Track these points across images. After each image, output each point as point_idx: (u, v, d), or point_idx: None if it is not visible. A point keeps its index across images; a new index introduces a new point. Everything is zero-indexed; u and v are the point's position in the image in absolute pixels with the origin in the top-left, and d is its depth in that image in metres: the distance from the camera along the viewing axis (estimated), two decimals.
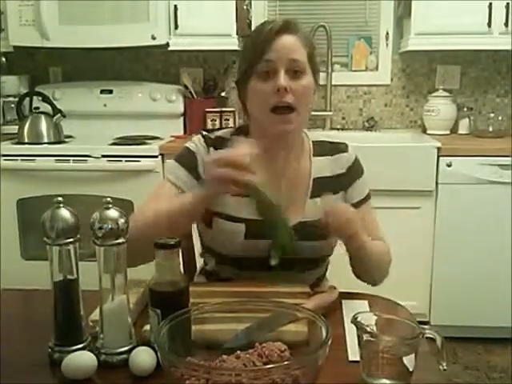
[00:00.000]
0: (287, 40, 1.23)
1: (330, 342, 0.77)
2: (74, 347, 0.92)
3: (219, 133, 1.37)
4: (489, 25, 2.61)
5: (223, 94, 3.05)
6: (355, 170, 1.38)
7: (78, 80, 3.09)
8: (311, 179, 1.33)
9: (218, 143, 1.32)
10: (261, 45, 1.22)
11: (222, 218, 1.29)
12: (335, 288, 1.17)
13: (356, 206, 1.33)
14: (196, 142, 1.33)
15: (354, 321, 0.85)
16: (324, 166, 1.35)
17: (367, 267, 1.28)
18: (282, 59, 1.21)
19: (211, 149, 1.31)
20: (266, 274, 1.22)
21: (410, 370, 0.84)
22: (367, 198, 1.40)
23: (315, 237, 1.27)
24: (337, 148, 1.37)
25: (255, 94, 1.25)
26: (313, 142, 1.38)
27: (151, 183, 2.13)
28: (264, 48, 1.21)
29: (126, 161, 2.53)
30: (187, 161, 1.31)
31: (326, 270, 1.43)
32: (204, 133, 1.36)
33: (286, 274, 1.23)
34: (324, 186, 1.32)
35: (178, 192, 1.28)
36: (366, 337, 0.84)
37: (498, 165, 2.48)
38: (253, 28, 3.06)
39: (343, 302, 1.14)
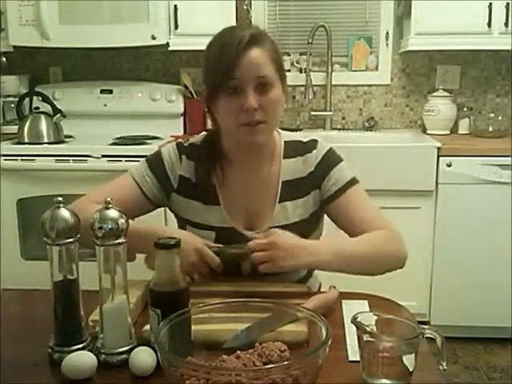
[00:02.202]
0: (254, 55, 1.18)
1: (329, 341, 0.77)
2: (74, 347, 0.92)
3: (193, 139, 1.38)
4: (489, 25, 2.61)
5: None
6: (325, 164, 1.32)
7: (78, 80, 3.09)
8: (280, 183, 1.31)
9: (190, 151, 1.33)
10: (226, 61, 1.17)
11: (193, 225, 1.31)
12: (335, 288, 1.17)
13: (336, 196, 1.30)
14: (169, 149, 1.35)
15: (354, 321, 0.85)
16: (295, 168, 1.32)
17: (359, 272, 1.24)
18: (249, 77, 1.17)
19: (183, 157, 1.33)
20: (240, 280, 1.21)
21: (410, 369, 0.84)
22: (349, 184, 1.31)
23: None
24: (307, 147, 1.34)
25: (224, 109, 1.22)
26: (285, 142, 1.35)
27: None
28: (230, 65, 1.16)
29: (125, 161, 2.52)
30: (155, 164, 1.34)
31: (311, 270, 1.39)
32: (179, 141, 1.38)
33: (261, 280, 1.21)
34: (294, 188, 1.31)
35: (138, 190, 1.32)
36: (365, 337, 0.84)
37: (498, 165, 2.48)
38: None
39: (343, 301, 1.14)
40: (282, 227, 1.25)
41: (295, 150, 1.33)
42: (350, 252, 1.20)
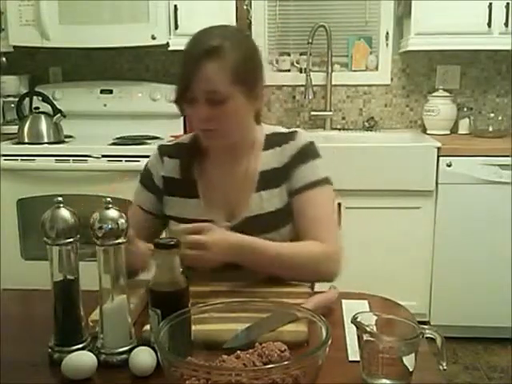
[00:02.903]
0: (207, 69, 1.19)
1: (329, 341, 0.77)
2: (74, 347, 0.92)
3: (182, 138, 1.43)
4: (489, 25, 2.61)
5: None
6: (300, 157, 1.32)
7: (78, 80, 3.09)
8: (257, 173, 1.33)
9: (174, 150, 1.39)
10: (184, 73, 1.22)
11: (173, 219, 1.35)
12: (335, 288, 1.17)
13: (298, 192, 1.30)
14: (152, 157, 1.41)
15: (354, 321, 0.85)
16: (272, 158, 1.33)
17: (289, 277, 1.25)
18: (200, 91, 1.21)
19: (165, 158, 1.38)
20: (219, 274, 1.21)
21: (410, 369, 0.84)
22: (313, 184, 1.31)
23: (263, 230, 1.27)
24: (286, 137, 1.34)
25: (188, 114, 1.29)
26: (266, 135, 1.37)
27: None
28: (187, 76, 1.21)
29: (125, 161, 2.52)
30: (145, 178, 1.41)
31: None
32: (160, 143, 1.45)
33: (241, 273, 1.22)
34: (270, 178, 1.32)
35: (140, 211, 1.38)
36: (365, 337, 0.84)
37: (498, 165, 2.48)
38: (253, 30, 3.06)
39: (343, 301, 1.14)
40: (258, 217, 1.28)
41: (275, 141, 1.35)
42: (273, 256, 1.22)
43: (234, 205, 1.32)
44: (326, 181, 1.33)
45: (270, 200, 1.31)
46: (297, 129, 1.38)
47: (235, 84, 1.22)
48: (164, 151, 1.39)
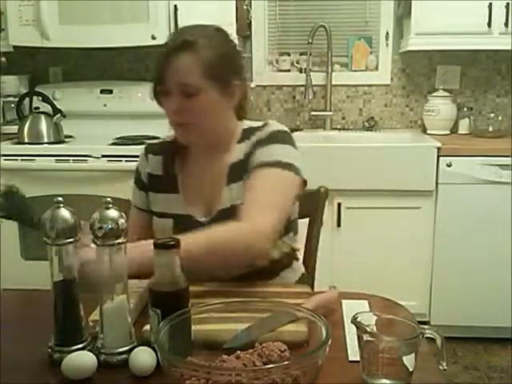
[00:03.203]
0: (180, 62, 1.24)
1: (329, 341, 0.77)
2: (74, 347, 0.92)
3: (167, 136, 1.47)
4: (489, 25, 2.61)
5: None
6: (261, 141, 1.30)
7: (78, 80, 3.09)
8: (228, 166, 1.34)
9: (158, 148, 1.44)
10: (158, 66, 1.26)
11: (154, 214, 1.39)
12: (335, 288, 1.17)
13: (250, 171, 1.28)
14: (140, 157, 1.47)
15: (354, 321, 0.85)
16: (243, 150, 1.34)
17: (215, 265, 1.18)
18: (172, 83, 1.25)
19: (150, 155, 1.43)
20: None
21: (410, 369, 0.84)
22: (267, 164, 1.26)
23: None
24: (256, 129, 1.35)
25: (163, 108, 1.32)
26: (243, 129, 1.38)
27: None
28: (160, 69, 1.25)
29: (126, 161, 2.52)
30: (135, 178, 1.46)
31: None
32: (148, 143, 1.50)
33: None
34: (237, 170, 1.32)
35: (136, 210, 1.44)
36: (365, 337, 0.83)
37: (498, 165, 2.48)
38: (253, 28, 3.06)
39: (343, 301, 1.14)
40: (229, 209, 1.29)
41: (247, 134, 1.36)
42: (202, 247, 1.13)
43: (209, 199, 1.34)
44: (283, 165, 1.26)
45: (239, 192, 1.30)
46: (270, 120, 1.38)
47: (207, 78, 1.24)
48: (149, 149, 1.45)
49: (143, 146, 1.49)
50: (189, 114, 1.26)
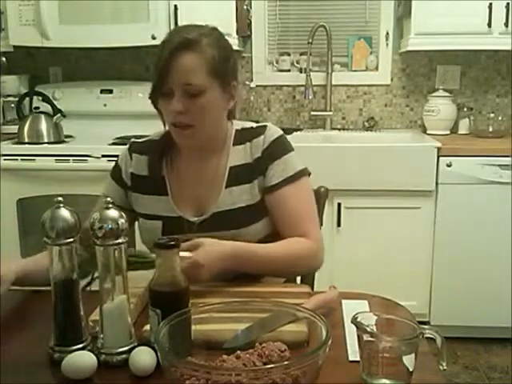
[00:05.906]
0: (184, 61, 1.21)
1: (329, 341, 0.77)
2: (74, 347, 0.92)
3: (153, 134, 1.43)
4: (489, 25, 2.61)
5: None
6: (271, 152, 1.32)
7: (78, 80, 3.09)
8: (227, 169, 1.33)
9: (144, 146, 1.40)
10: (159, 65, 1.22)
11: (142, 216, 1.36)
12: (335, 288, 1.17)
13: (274, 188, 1.31)
14: (123, 153, 1.42)
15: (354, 321, 0.85)
16: (243, 154, 1.34)
17: (271, 274, 1.28)
18: (176, 83, 1.22)
19: (134, 155, 1.39)
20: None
21: (410, 370, 0.84)
22: (290, 179, 1.32)
23: (233, 225, 1.28)
24: (256, 132, 1.35)
25: (162, 109, 1.29)
26: (236, 130, 1.37)
27: None
28: (162, 69, 1.22)
29: None
30: (114, 173, 1.42)
31: None
32: (132, 140, 1.44)
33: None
34: (241, 173, 1.32)
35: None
36: (365, 337, 0.83)
37: (498, 165, 2.48)
38: (254, 27, 3.05)
39: (343, 301, 1.14)
40: (227, 212, 1.29)
41: (245, 136, 1.36)
42: (264, 257, 1.24)
43: (203, 201, 1.33)
44: (301, 173, 1.33)
45: (241, 196, 1.31)
46: (266, 123, 1.39)
47: (211, 77, 1.24)
48: (134, 148, 1.41)
49: (128, 144, 1.44)
50: (192, 115, 1.24)
